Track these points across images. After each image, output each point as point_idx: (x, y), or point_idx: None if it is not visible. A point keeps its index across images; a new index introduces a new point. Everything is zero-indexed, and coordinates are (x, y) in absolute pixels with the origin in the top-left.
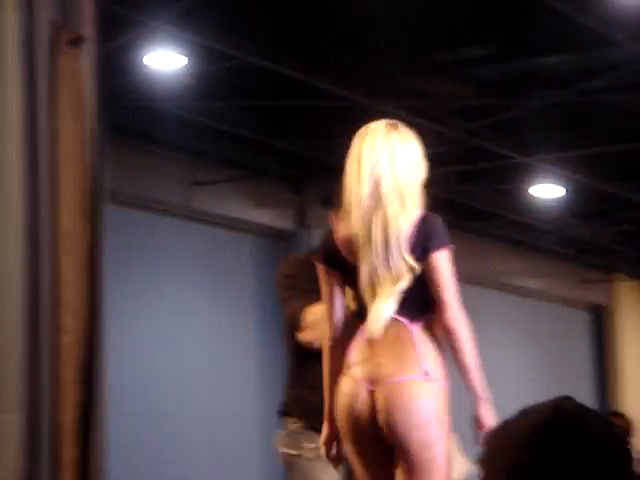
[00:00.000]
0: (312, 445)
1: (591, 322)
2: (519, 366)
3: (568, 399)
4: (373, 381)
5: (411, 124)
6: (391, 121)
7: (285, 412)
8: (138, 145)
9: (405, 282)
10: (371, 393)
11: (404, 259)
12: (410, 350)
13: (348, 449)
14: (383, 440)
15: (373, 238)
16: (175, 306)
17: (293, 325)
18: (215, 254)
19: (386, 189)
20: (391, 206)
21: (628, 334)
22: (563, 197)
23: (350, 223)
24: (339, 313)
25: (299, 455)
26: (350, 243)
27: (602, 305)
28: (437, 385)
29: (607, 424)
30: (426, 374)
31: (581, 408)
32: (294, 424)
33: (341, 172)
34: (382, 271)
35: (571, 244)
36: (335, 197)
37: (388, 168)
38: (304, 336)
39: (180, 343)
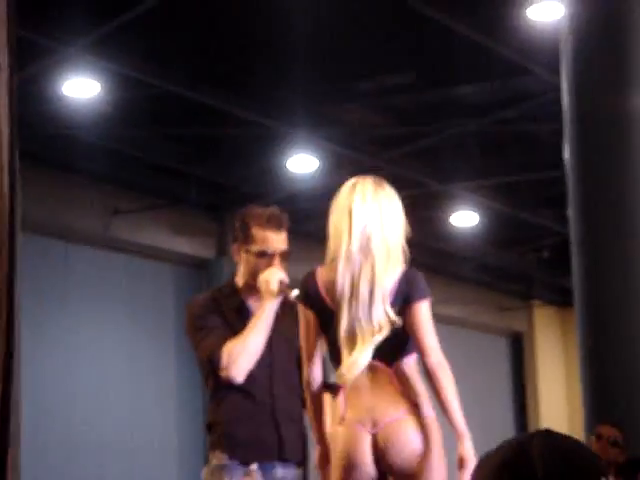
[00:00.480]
0: None
1: (510, 348)
2: None
3: (541, 432)
4: (373, 424)
5: (331, 152)
6: (377, 178)
7: (210, 447)
8: (56, 174)
9: (384, 334)
10: (373, 436)
11: (386, 313)
12: (393, 390)
13: None
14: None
15: (360, 290)
16: (92, 337)
17: (210, 362)
18: (134, 283)
19: (376, 246)
20: (379, 262)
21: (546, 359)
22: (481, 225)
23: (335, 272)
24: (318, 353)
25: None
26: (334, 290)
27: (521, 331)
28: (430, 418)
29: (584, 455)
30: (417, 408)
31: (552, 438)
32: (218, 458)
33: (260, 199)
34: (364, 322)
35: (490, 271)
36: (237, 232)
37: (378, 226)
38: (225, 372)
39: (98, 376)
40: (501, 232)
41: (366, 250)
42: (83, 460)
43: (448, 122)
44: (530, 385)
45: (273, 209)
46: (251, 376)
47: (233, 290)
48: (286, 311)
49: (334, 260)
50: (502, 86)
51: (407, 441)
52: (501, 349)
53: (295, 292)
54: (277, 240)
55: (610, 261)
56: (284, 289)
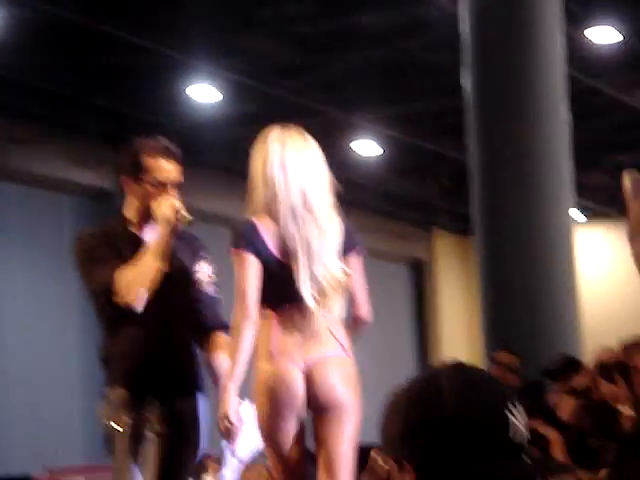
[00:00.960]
0: (131, 420)
1: (411, 276)
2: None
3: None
4: (305, 362)
5: (232, 82)
6: (297, 127)
7: (107, 382)
8: None
9: (343, 284)
10: (305, 374)
11: (340, 264)
12: (324, 331)
13: (267, 426)
14: (311, 411)
15: (313, 246)
16: None
17: (105, 291)
18: (32, 215)
19: (315, 200)
20: (322, 216)
21: (447, 287)
22: (382, 154)
23: (280, 226)
24: (255, 297)
25: (118, 430)
26: (284, 245)
27: (421, 259)
28: (352, 359)
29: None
30: (346, 351)
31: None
32: (116, 393)
33: (157, 129)
34: (328, 277)
35: (391, 200)
36: (127, 163)
37: (314, 179)
38: (122, 298)
39: None
40: (402, 161)
41: (307, 205)
42: None
43: (350, 51)
44: (430, 313)
45: (164, 140)
46: (146, 307)
47: (123, 224)
48: (181, 244)
49: (273, 213)
50: (402, 14)
51: (339, 376)
52: (402, 277)
53: (189, 217)
54: (171, 170)
55: (508, 189)
56: (179, 218)
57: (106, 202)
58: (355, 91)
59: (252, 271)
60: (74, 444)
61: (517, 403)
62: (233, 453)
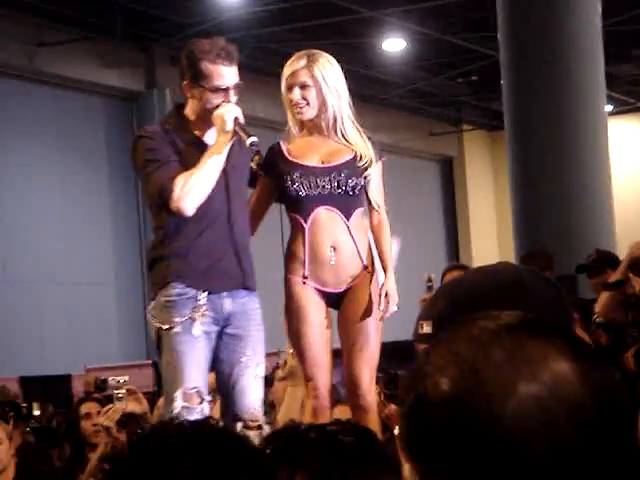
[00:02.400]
0: (183, 318)
1: (441, 173)
2: None
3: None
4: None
5: None
6: (321, 52)
7: (158, 282)
8: None
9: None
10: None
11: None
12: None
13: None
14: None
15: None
16: (23, 170)
17: (163, 194)
18: (63, 116)
19: (345, 121)
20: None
21: (476, 183)
22: (410, 50)
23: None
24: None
25: (170, 328)
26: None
27: (451, 156)
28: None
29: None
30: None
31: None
32: (168, 293)
33: (188, 28)
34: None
35: (419, 97)
36: (185, 68)
37: (344, 103)
38: (176, 202)
39: (30, 208)
40: (430, 57)
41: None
42: (20, 294)
43: None
44: (461, 208)
45: (221, 41)
46: (210, 209)
47: (184, 124)
48: (242, 149)
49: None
50: None
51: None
52: (432, 174)
53: (252, 139)
54: (229, 74)
55: (538, 81)
56: (239, 126)
57: (136, 103)
58: None
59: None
60: (111, 344)
61: None
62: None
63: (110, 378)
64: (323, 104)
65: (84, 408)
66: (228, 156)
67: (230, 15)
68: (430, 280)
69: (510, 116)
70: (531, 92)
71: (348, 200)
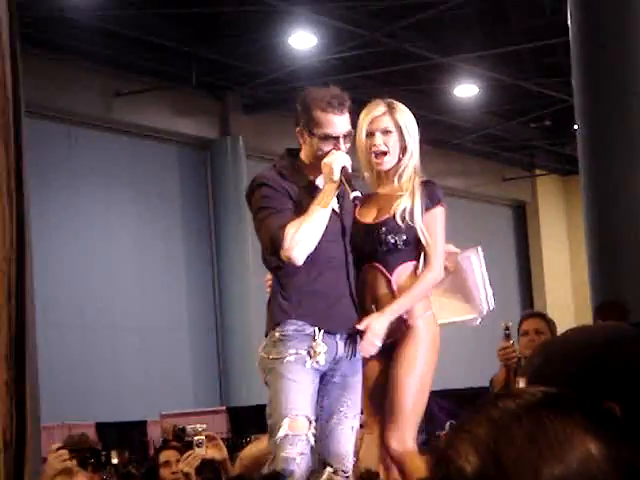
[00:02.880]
0: (298, 351)
1: (514, 218)
2: None
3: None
4: None
5: (330, 27)
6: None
7: (275, 320)
8: (56, 57)
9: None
10: None
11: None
12: None
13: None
14: None
15: None
16: (100, 219)
17: (274, 243)
18: (138, 164)
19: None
20: None
21: (550, 228)
22: (483, 96)
23: None
24: None
25: (282, 358)
26: None
27: (524, 201)
28: None
29: None
30: None
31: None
32: (289, 327)
33: (261, 77)
34: None
35: (492, 142)
36: (299, 115)
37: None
38: (286, 252)
39: (107, 256)
40: (503, 102)
41: None
42: (97, 341)
43: None
44: (534, 254)
45: (334, 90)
46: (329, 251)
47: (299, 168)
48: (347, 194)
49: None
50: None
51: None
52: (505, 219)
53: (355, 194)
54: (340, 122)
55: (614, 130)
56: (346, 176)
57: (210, 151)
58: (453, 33)
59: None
60: (185, 390)
61: None
62: None
63: (189, 426)
64: (403, 151)
65: (163, 456)
66: (342, 201)
67: (303, 63)
68: (507, 328)
69: (585, 161)
70: (606, 137)
71: (392, 255)
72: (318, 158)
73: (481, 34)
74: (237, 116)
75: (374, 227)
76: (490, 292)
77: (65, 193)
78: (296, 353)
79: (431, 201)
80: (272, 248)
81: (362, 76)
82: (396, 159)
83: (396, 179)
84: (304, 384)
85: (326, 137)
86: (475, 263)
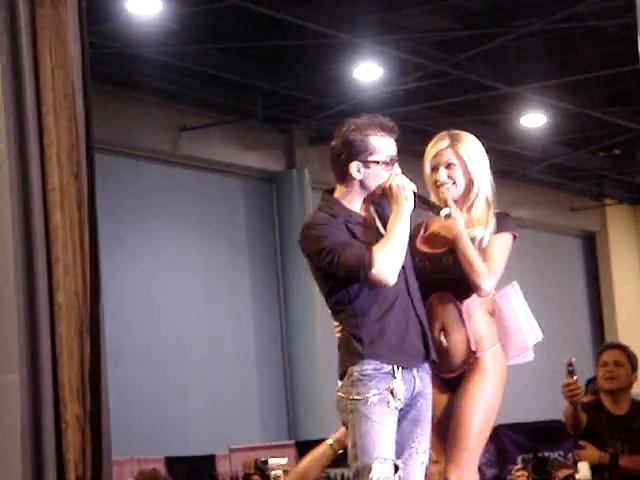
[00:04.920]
0: (381, 391)
1: (583, 249)
2: None
3: None
4: None
5: (395, 58)
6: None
7: (355, 358)
8: (123, 92)
9: None
10: None
11: None
12: None
13: None
14: None
15: None
16: (167, 253)
17: (364, 267)
18: (204, 199)
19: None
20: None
21: (620, 259)
22: (550, 125)
23: None
24: None
25: (366, 399)
26: None
27: (593, 231)
28: None
29: None
30: None
31: None
32: (366, 366)
33: (327, 110)
34: None
35: (560, 172)
36: (352, 146)
37: None
38: (378, 273)
39: (174, 290)
40: (571, 132)
41: None
42: (165, 374)
43: (513, 23)
44: (605, 286)
45: (379, 116)
46: (397, 284)
47: (344, 206)
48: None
49: None
50: None
51: None
52: (574, 250)
53: (445, 211)
54: (394, 146)
55: None
56: (421, 198)
57: (276, 184)
58: (520, 63)
59: None
60: (253, 424)
61: None
62: None
63: (271, 460)
64: (470, 183)
65: None
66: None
67: (367, 95)
68: (571, 365)
69: None
70: None
71: (461, 284)
72: (374, 189)
73: (548, 63)
74: (302, 148)
75: (442, 255)
76: (535, 324)
77: (131, 228)
78: (379, 393)
79: (500, 228)
80: (361, 273)
81: (427, 107)
82: (462, 189)
83: (466, 211)
84: (389, 427)
85: (385, 162)
86: (514, 299)
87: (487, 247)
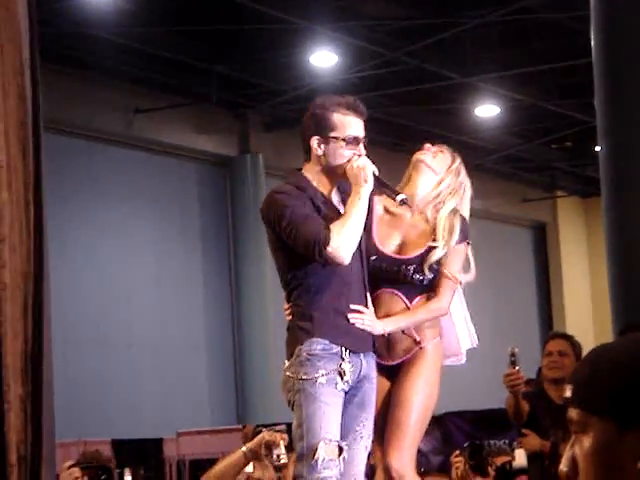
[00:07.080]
0: (329, 371)
1: (534, 239)
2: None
3: None
4: None
5: (350, 46)
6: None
7: (303, 337)
8: (76, 73)
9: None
10: None
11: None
12: None
13: None
14: None
15: None
16: (119, 236)
17: (319, 243)
18: (157, 182)
19: None
20: None
21: (570, 249)
22: (504, 116)
23: None
24: None
25: (314, 379)
26: None
27: (544, 222)
28: None
29: None
30: None
31: None
32: (315, 346)
33: (281, 95)
34: None
35: (513, 163)
36: (316, 122)
37: None
38: (334, 251)
39: (126, 273)
40: (524, 123)
41: None
42: (115, 359)
43: (469, 13)
44: (554, 276)
45: (350, 97)
46: (349, 268)
47: (310, 183)
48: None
49: None
50: None
51: None
52: (525, 241)
53: (401, 197)
54: (361, 125)
55: (637, 150)
56: (379, 181)
57: (230, 168)
58: (475, 53)
59: None
60: (202, 409)
61: None
62: None
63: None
64: (440, 182)
65: None
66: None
67: (323, 81)
68: (514, 354)
69: (606, 183)
70: (630, 159)
71: (414, 287)
72: (336, 167)
73: (502, 54)
74: (257, 134)
75: (402, 262)
76: (472, 330)
77: (83, 209)
78: (327, 374)
79: (459, 239)
80: (315, 249)
81: (382, 95)
82: (436, 179)
83: (429, 211)
84: (336, 408)
85: (349, 140)
86: (455, 304)
87: (446, 260)
